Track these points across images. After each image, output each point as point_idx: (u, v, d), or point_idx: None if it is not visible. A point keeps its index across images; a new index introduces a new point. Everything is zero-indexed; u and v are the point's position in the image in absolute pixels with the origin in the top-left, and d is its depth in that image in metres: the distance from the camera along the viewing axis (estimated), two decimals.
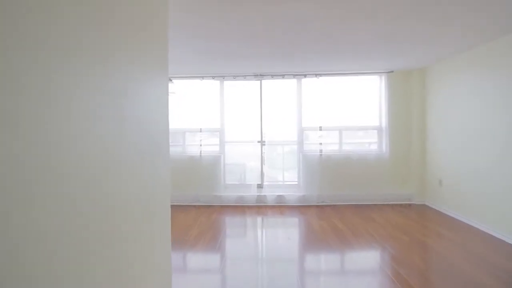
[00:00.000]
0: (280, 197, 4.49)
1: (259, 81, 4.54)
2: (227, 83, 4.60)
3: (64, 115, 0.60)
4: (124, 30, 0.89)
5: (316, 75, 4.42)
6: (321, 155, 4.50)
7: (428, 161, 4.32)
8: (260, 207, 4.40)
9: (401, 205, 4.37)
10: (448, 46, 3.26)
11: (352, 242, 2.97)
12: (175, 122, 4.68)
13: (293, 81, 4.54)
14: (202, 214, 4.05)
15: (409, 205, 4.37)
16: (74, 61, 0.64)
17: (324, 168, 4.49)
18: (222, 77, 4.48)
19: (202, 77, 4.50)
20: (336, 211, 4.12)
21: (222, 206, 4.48)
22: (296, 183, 4.68)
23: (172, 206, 5.04)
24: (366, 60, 3.84)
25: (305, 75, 4.43)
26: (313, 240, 3.14)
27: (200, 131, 4.59)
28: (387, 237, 3.08)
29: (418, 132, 4.42)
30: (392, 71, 4.41)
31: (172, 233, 3.30)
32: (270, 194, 4.50)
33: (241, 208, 4.38)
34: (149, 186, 1.08)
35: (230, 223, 3.80)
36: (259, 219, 3.98)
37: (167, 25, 1.32)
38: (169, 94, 3.22)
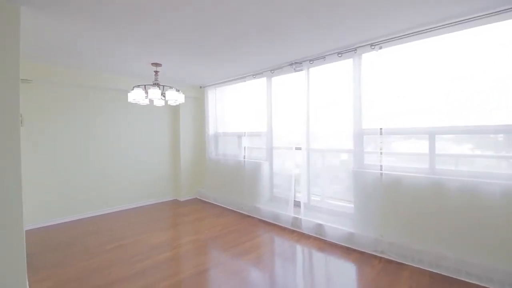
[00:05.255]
0: (319, 227, 3.21)
1: (303, 71, 3.49)
2: (275, 80, 3.92)
3: None
4: None
5: (371, 45, 2.73)
6: (381, 174, 2.73)
7: None
8: (292, 233, 3.39)
9: None
10: None
11: None
12: (228, 125, 4.68)
13: (345, 63, 3.07)
14: (224, 224, 3.77)
15: None
16: None
17: (389, 197, 2.68)
18: (260, 73, 3.90)
19: (244, 77, 4.15)
20: (402, 278, 2.33)
21: (259, 220, 3.92)
22: (348, 209, 3.12)
23: (218, 207, 5.03)
24: None
25: (355, 50, 2.87)
26: None
27: (244, 135, 4.27)
28: None
29: None
30: None
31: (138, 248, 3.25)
32: (307, 219, 3.34)
33: (272, 227, 3.61)
34: None
35: (233, 243, 3.16)
36: (278, 252, 3.08)
37: None
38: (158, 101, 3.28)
